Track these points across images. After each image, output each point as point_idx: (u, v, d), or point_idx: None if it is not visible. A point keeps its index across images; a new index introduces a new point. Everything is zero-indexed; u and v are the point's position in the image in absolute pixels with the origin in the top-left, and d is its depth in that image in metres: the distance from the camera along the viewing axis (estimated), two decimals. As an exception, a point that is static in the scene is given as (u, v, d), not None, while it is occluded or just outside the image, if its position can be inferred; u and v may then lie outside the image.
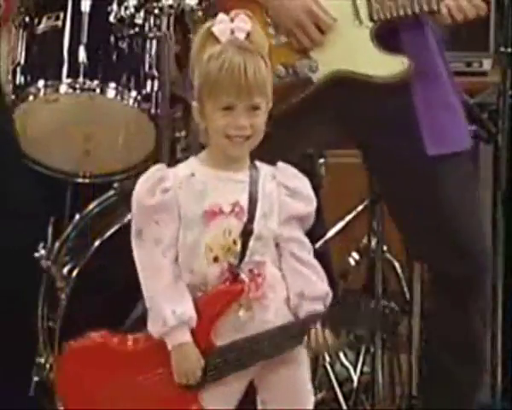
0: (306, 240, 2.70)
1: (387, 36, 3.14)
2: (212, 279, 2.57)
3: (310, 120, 3.11)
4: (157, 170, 2.61)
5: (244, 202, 2.59)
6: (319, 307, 2.60)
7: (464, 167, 3.27)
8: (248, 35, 2.57)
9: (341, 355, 3.83)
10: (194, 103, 2.60)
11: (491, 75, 4.28)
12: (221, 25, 2.59)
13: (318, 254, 2.74)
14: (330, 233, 3.77)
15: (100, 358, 2.65)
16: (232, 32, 2.57)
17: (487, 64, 4.35)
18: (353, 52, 3.20)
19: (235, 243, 2.57)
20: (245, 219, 2.58)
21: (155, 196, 2.58)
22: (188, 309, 2.56)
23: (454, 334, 3.22)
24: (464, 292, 3.17)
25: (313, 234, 2.81)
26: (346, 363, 3.79)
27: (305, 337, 2.62)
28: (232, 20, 2.59)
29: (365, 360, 3.78)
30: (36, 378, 3.56)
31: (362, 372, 3.75)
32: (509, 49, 3.66)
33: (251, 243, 2.59)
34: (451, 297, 3.20)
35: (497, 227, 3.82)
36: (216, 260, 2.57)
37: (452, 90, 3.30)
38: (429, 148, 3.15)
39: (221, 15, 2.62)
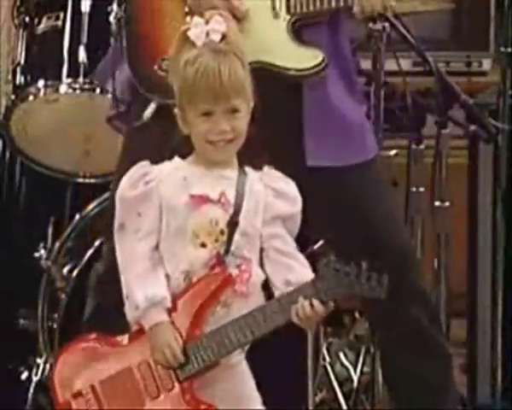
0: (290, 238, 2.66)
1: (303, 31, 3.14)
2: (199, 265, 2.54)
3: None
4: (141, 166, 2.61)
5: (231, 196, 2.58)
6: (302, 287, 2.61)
7: (374, 174, 3.23)
8: (224, 36, 2.56)
9: (341, 355, 3.83)
10: (176, 110, 2.59)
11: (491, 75, 4.19)
12: (196, 28, 2.58)
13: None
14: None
15: (91, 358, 2.62)
16: (207, 34, 2.55)
17: (487, 64, 4.24)
18: (269, 44, 3.17)
19: (222, 233, 2.55)
20: (231, 211, 2.56)
21: (138, 188, 2.59)
22: (160, 291, 2.55)
23: (398, 329, 3.16)
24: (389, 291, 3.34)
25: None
26: (346, 363, 3.80)
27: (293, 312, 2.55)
28: (207, 22, 2.57)
29: (365, 360, 3.75)
30: (35, 378, 3.59)
31: (362, 372, 3.73)
32: (509, 49, 3.77)
33: (236, 237, 2.57)
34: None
35: (496, 226, 3.86)
36: (203, 245, 2.55)
37: (360, 94, 3.35)
38: (309, 159, 3.15)
39: (196, 18, 2.60)
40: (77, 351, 2.65)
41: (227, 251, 2.55)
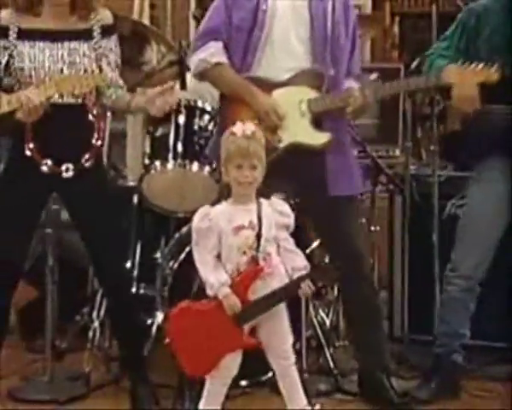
0: (291, 239, 3.47)
1: (320, 119, 3.87)
2: (242, 264, 3.39)
3: (272, 176, 3.53)
4: (205, 208, 3.43)
5: (254, 220, 3.37)
6: (303, 273, 3.44)
7: (353, 205, 4.10)
8: (253, 133, 3.39)
9: (320, 310, 4.59)
10: (222, 169, 3.42)
11: (400, 158, 5.02)
12: (238, 127, 3.42)
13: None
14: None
15: (193, 314, 3.49)
16: (244, 130, 3.39)
17: (397, 151, 5.12)
18: (300, 131, 3.87)
19: (253, 244, 3.36)
20: (256, 229, 3.37)
21: (204, 222, 3.40)
22: (224, 276, 3.35)
23: (355, 296, 4.06)
24: (351, 276, 3.93)
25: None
26: (323, 314, 4.61)
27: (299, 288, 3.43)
28: (244, 125, 3.42)
29: (333, 313, 4.73)
30: (155, 323, 4.41)
31: (331, 320, 4.67)
32: (409, 144, 4.77)
33: (262, 243, 3.37)
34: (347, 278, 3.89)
35: (404, 240, 4.71)
36: (244, 253, 3.37)
37: (352, 155, 4.15)
38: (334, 192, 3.91)
39: (238, 123, 3.43)
40: (185, 307, 3.52)
41: (257, 251, 3.37)
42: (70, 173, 3.81)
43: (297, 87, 3.89)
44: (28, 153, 3.78)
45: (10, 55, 3.76)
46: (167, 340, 3.78)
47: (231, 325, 3.41)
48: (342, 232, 4.01)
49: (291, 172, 3.85)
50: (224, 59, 3.92)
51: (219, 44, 3.92)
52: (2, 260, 3.81)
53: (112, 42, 3.94)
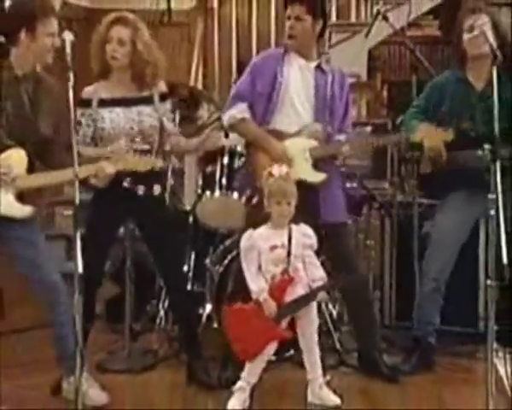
0: (313, 255, 3.57)
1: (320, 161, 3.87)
2: (277, 275, 3.49)
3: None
4: (249, 232, 3.55)
5: (286, 242, 3.49)
6: (321, 283, 3.54)
7: (347, 230, 4.13)
8: (287, 174, 3.51)
9: (329, 304, 4.49)
10: (265, 201, 3.52)
11: (388, 190, 4.96)
12: (275, 169, 3.53)
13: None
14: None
15: (244, 314, 3.55)
16: (280, 172, 3.52)
17: (387, 185, 5.01)
18: (304, 172, 3.85)
19: (284, 259, 3.50)
20: (287, 248, 3.49)
21: (249, 241, 3.52)
22: (263, 284, 3.45)
23: (356, 296, 4.07)
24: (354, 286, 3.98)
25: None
26: (330, 307, 4.51)
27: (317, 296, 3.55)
28: (279, 167, 3.54)
29: (338, 306, 4.67)
30: (205, 313, 4.40)
31: (337, 311, 4.61)
32: (396, 179, 4.76)
33: (291, 259, 3.49)
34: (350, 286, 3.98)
35: (392, 252, 4.62)
36: (277, 266, 3.49)
37: (342, 192, 4.08)
38: (325, 218, 3.90)
39: (275, 165, 3.55)
40: (238, 309, 3.56)
41: (288, 265, 3.48)
42: (141, 192, 3.83)
43: (302, 138, 3.92)
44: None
45: (93, 120, 3.80)
46: (215, 325, 4.17)
47: (272, 321, 3.49)
48: (342, 252, 4.08)
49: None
50: (247, 115, 3.95)
51: (245, 105, 3.95)
52: (90, 266, 3.72)
53: (168, 104, 3.96)
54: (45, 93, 3.55)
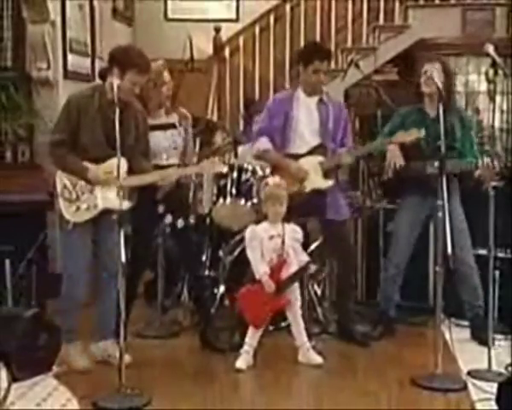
0: (299, 246, 3.59)
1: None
2: (275, 258, 3.50)
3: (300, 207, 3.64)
4: (252, 226, 3.58)
5: (281, 233, 3.50)
6: (305, 263, 3.56)
7: (345, 226, 4.02)
8: (280, 183, 3.54)
9: (315, 285, 4.35)
10: (263, 204, 3.55)
11: (360, 197, 4.71)
12: (270, 179, 3.60)
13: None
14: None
15: (252, 293, 3.57)
16: (274, 181, 3.54)
17: (359, 193, 4.72)
18: (316, 181, 3.86)
19: (280, 246, 3.51)
20: (282, 237, 3.51)
21: (251, 233, 3.53)
22: (264, 268, 3.46)
23: (345, 278, 4.03)
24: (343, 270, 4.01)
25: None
26: (316, 287, 4.37)
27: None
28: (274, 178, 3.57)
29: (321, 287, 4.52)
30: (218, 294, 4.19)
31: (321, 291, 4.47)
32: (366, 189, 4.68)
33: (285, 247, 3.51)
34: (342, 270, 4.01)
35: (379, 255, 4.40)
36: (274, 251, 3.51)
37: (343, 196, 4.07)
38: (330, 216, 3.89)
39: (270, 178, 3.61)
40: (248, 288, 3.58)
41: (282, 251, 3.50)
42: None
43: (313, 156, 3.91)
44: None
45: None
46: (226, 303, 4.07)
47: (272, 295, 3.51)
48: (340, 244, 4.04)
49: (310, 205, 3.87)
50: (269, 146, 3.95)
51: (265, 138, 3.95)
52: (141, 259, 3.88)
53: (190, 129, 4.02)
54: (129, 114, 3.48)
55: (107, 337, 3.52)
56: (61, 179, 3.40)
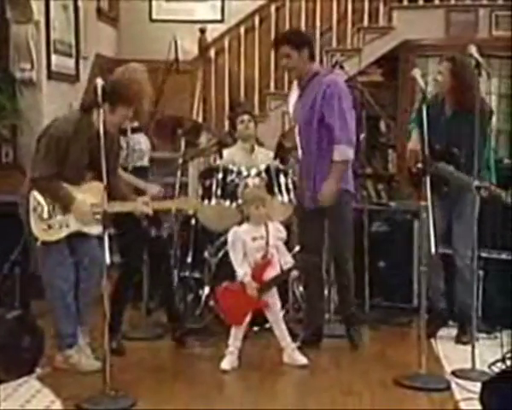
0: (283, 246, 3.55)
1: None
2: (258, 260, 3.49)
3: None
4: (234, 228, 3.55)
5: (264, 234, 3.47)
6: (290, 266, 3.53)
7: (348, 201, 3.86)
8: (260, 185, 3.68)
9: (299, 285, 4.30)
10: (244, 206, 3.54)
11: None
12: (250, 181, 3.80)
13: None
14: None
15: (231, 291, 3.56)
16: (254, 183, 3.77)
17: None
18: None
19: (263, 248, 3.49)
20: (266, 239, 3.49)
21: (235, 235, 3.50)
22: (247, 269, 3.44)
23: (342, 273, 3.90)
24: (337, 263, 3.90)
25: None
26: (301, 287, 4.31)
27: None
28: (254, 180, 3.75)
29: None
30: (204, 294, 4.23)
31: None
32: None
33: (269, 248, 3.49)
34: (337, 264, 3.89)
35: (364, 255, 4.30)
36: (258, 252, 3.49)
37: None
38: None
39: (250, 179, 3.81)
40: (226, 287, 3.57)
41: (266, 252, 3.48)
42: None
43: None
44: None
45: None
46: (211, 303, 4.05)
47: (252, 297, 3.48)
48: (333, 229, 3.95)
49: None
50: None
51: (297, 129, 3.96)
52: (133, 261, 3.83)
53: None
54: (112, 139, 3.46)
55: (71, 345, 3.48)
56: (35, 197, 3.34)
